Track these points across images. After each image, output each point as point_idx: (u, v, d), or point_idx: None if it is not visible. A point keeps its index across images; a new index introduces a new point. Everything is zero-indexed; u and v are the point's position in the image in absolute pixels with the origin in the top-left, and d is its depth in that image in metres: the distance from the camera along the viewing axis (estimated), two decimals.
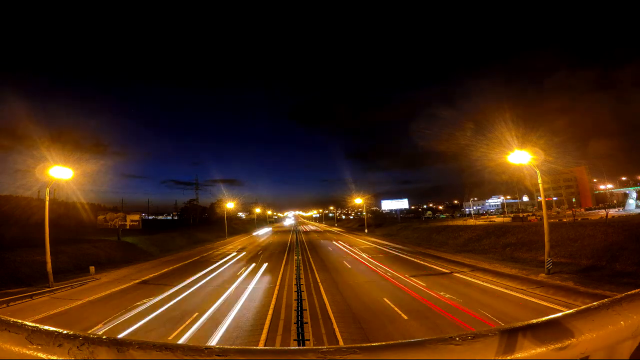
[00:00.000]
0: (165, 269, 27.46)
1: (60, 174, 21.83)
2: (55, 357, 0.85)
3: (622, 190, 68.54)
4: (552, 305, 13.65)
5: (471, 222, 50.72)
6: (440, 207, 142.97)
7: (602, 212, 45.22)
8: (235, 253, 38.51)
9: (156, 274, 25.45)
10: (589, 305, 1.07)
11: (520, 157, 20.49)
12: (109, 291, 19.42)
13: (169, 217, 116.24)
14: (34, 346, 0.87)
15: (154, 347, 0.89)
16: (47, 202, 21.55)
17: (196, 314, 14.21)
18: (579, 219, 36.84)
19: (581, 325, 0.99)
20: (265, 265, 28.10)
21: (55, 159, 21.60)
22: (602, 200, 78.40)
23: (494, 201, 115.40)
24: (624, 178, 73.51)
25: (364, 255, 32.10)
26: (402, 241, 44.58)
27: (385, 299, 15.48)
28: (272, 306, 15.05)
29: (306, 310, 13.79)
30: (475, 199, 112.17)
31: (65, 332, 0.92)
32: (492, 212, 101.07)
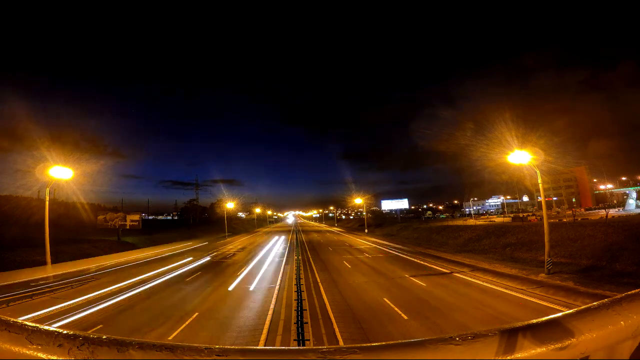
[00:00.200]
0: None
1: (60, 174, 21.85)
2: (55, 357, 0.85)
3: (622, 190, 68.58)
4: (552, 305, 13.64)
5: (471, 222, 50.74)
6: (440, 207, 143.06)
7: (602, 212, 45.24)
8: (236, 253, 38.54)
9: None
10: (589, 305, 1.07)
11: (520, 157, 20.49)
12: (108, 291, 19.40)
13: (169, 217, 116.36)
14: (34, 346, 0.87)
15: (153, 347, 0.89)
16: (47, 202, 21.56)
17: (196, 314, 14.23)
18: (579, 219, 36.86)
19: (581, 325, 0.99)
20: (265, 264, 28.11)
21: (55, 159, 21.65)
22: (602, 200, 78.46)
23: (494, 201, 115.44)
24: (624, 178, 73.60)
25: (364, 255, 32.10)
26: (402, 241, 44.60)
27: (385, 299, 15.48)
28: (272, 306, 15.05)
29: (306, 310, 13.79)
30: (475, 199, 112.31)
31: (65, 332, 0.92)
32: (492, 212, 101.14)
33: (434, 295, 15.97)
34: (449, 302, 14.84)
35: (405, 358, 0.89)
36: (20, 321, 0.94)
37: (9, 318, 0.96)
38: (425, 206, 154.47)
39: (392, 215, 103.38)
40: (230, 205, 73.05)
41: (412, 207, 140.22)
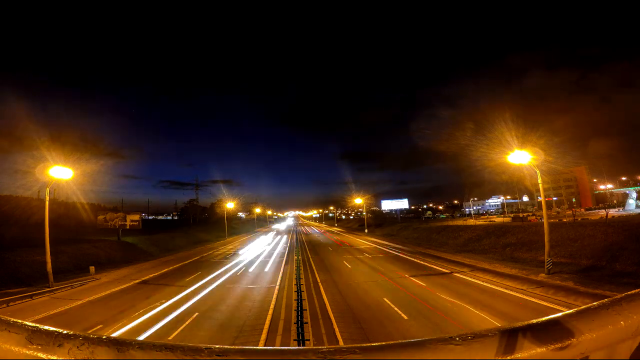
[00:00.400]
0: (165, 269, 27.45)
1: (60, 174, 21.83)
2: (55, 357, 0.85)
3: (622, 190, 68.52)
4: (552, 305, 13.65)
5: (471, 222, 50.72)
6: (440, 207, 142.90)
7: (602, 212, 45.21)
8: (236, 253, 38.55)
9: (156, 274, 25.43)
10: (589, 305, 1.07)
11: (520, 157, 20.49)
12: (109, 291, 19.41)
13: (169, 217, 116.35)
14: (34, 346, 0.87)
15: (154, 347, 0.89)
16: (47, 202, 21.54)
17: (196, 314, 14.23)
18: (579, 219, 36.82)
19: (581, 325, 0.99)
20: (265, 264, 28.12)
21: (55, 159, 21.60)
22: (602, 200, 78.38)
23: (494, 201, 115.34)
24: (624, 178, 73.53)
25: (364, 255, 32.10)
26: (402, 241, 44.59)
27: (385, 299, 15.48)
28: (272, 306, 15.05)
29: (306, 310, 13.79)
30: (475, 199, 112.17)
31: (65, 332, 0.92)
32: (492, 212, 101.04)
33: (434, 296, 15.97)
34: (449, 302, 14.84)
35: (405, 358, 0.89)
36: (20, 321, 0.94)
37: (9, 318, 0.96)
38: (425, 206, 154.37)
39: (392, 215, 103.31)
40: (230, 205, 73.02)
41: (412, 207, 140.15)
